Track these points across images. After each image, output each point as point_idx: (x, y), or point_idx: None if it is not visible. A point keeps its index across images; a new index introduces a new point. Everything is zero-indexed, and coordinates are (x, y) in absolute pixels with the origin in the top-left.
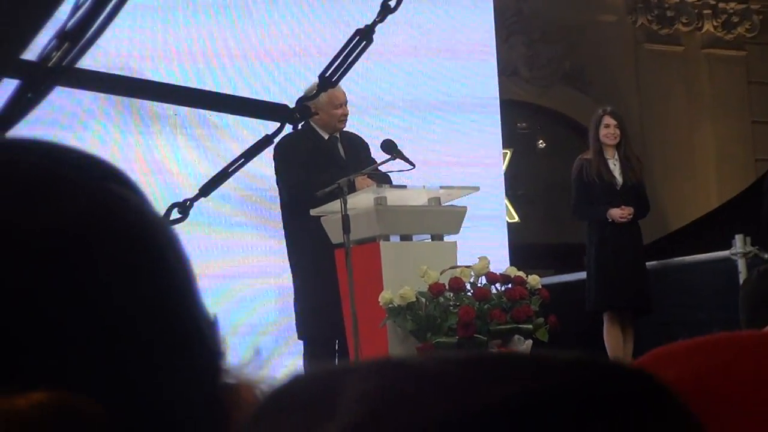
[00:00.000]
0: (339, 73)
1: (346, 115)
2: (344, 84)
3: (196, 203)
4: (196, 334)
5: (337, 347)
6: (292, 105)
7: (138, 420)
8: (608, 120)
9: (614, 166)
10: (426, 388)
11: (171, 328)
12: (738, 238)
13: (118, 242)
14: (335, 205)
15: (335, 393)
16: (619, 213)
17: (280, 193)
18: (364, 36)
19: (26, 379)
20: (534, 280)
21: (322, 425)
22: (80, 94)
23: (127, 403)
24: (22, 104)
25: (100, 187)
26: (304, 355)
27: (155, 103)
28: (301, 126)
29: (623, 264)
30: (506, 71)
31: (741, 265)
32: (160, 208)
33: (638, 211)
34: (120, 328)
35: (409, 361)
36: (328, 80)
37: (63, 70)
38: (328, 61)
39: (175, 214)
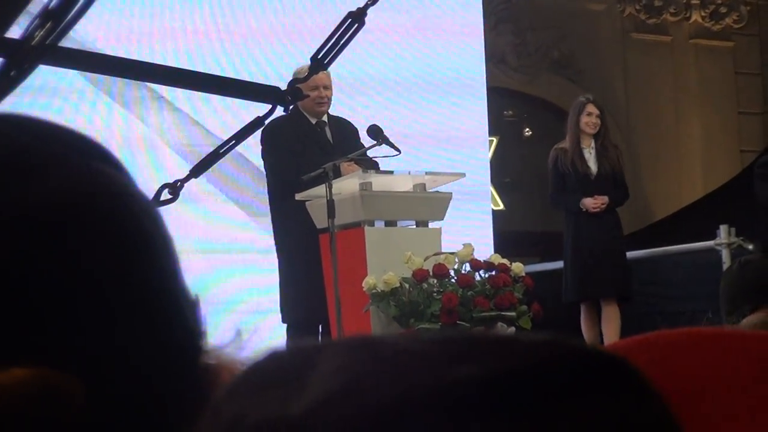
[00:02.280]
0: (331, 55)
1: (323, 98)
2: (332, 66)
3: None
4: (178, 314)
5: (320, 332)
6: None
7: (118, 398)
8: (591, 108)
9: (590, 156)
10: (397, 364)
11: (153, 308)
12: (722, 229)
13: (101, 221)
14: (320, 189)
15: (309, 368)
16: (591, 203)
17: (266, 178)
18: (356, 18)
19: (7, 355)
20: (518, 267)
21: (295, 399)
22: (66, 73)
23: (107, 380)
24: (5, 82)
25: (85, 165)
26: (287, 339)
27: (140, 85)
28: (290, 110)
29: (599, 254)
30: (494, 59)
31: (725, 255)
32: (150, 189)
33: (615, 200)
34: (101, 307)
35: (382, 338)
36: (320, 62)
37: (47, 48)
38: (320, 44)
39: (165, 195)
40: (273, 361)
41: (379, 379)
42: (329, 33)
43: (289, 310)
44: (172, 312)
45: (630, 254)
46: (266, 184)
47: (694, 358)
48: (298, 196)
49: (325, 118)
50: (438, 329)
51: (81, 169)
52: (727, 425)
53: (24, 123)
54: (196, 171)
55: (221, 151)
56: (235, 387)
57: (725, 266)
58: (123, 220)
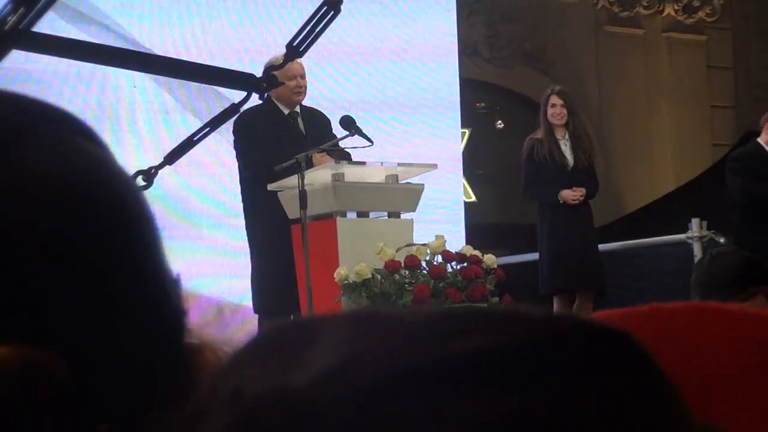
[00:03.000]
0: (307, 42)
1: (301, 87)
2: (305, 61)
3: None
4: (160, 292)
5: None
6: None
7: (100, 376)
8: (554, 99)
9: (565, 147)
10: (400, 337)
11: (134, 285)
12: (694, 222)
13: (83, 198)
14: (293, 180)
15: (310, 341)
16: (570, 194)
17: (238, 168)
18: (332, 6)
19: None
20: (490, 259)
21: (296, 372)
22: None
23: (90, 358)
24: None
25: (66, 141)
26: (258, 329)
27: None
28: (262, 101)
29: (575, 246)
30: (467, 51)
31: (697, 248)
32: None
33: (588, 191)
34: (83, 284)
35: (385, 312)
36: (295, 50)
37: (19, 34)
38: (296, 31)
39: (139, 182)
40: (273, 334)
41: (382, 352)
42: (305, 21)
43: (261, 300)
44: (155, 290)
45: (602, 247)
46: (238, 174)
47: (693, 332)
48: (271, 187)
49: (297, 108)
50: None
51: (62, 145)
52: (726, 401)
53: (3, 98)
54: (170, 158)
55: (195, 138)
56: (235, 360)
57: (697, 259)
58: (105, 197)
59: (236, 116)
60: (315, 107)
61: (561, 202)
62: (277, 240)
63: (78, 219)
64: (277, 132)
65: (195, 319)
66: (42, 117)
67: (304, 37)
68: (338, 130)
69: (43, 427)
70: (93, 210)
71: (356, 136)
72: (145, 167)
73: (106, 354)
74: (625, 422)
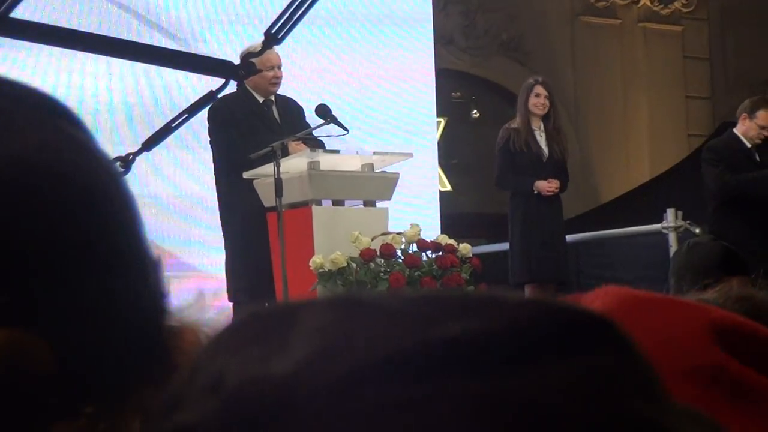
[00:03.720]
0: (285, 30)
1: (278, 78)
2: (280, 51)
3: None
4: (141, 274)
5: None
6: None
7: (83, 358)
8: (539, 89)
9: (540, 137)
10: (381, 322)
11: (115, 267)
12: (669, 212)
13: (62, 179)
14: (268, 168)
15: (289, 327)
16: (546, 186)
17: (213, 156)
18: None
19: None
20: (465, 248)
21: (275, 360)
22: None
23: (71, 341)
24: None
25: (48, 123)
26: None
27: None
28: (236, 89)
29: (547, 237)
30: (442, 40)
31: (672, 238)
32: None
33: (561, 185)
34: (63, 266)
35: (365, 297)
36: (273, 37)
37: None
38: (274, 18)
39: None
40: (253, 319)
41: (362, 339)
42: (283, 8)
43: (236, 288)
44: (135, 272)
45: (577, 236)
46: (212, 162)
47: (642, 322)
48: (246, 175)
49: (271, 97)
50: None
51: (45, 127)
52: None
53: None
54: (148, 144)
55: (174, 125)
56: (216, 345)
57: (672, 249)
58: (84, 180)
59: (210, 103)
60: (288, 95)
61: (536, 192)
62: (252, 228)
63: (58, 201)
64: (251, 120)
65: (175, 302)
66: (21, 99)
67: (282, 24)
68: (312, 119)
69: (28, 409)
70: (72, 192)
71: (331, 124)
72: (123, 154)
73: (88, 336)
74: (608, 404)
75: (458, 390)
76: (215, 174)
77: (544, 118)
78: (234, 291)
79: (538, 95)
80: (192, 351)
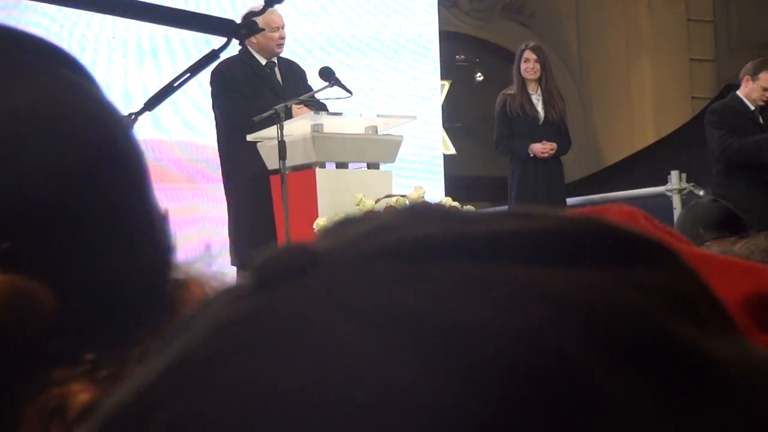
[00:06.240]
0: None
1: (283, 38)
2: (283, 15)
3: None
4: (147, 227)
5: None
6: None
7: (86, 306)
8: (528, 54)
9: (537, 101)
10: (434, 221)
11: (122, 218)
12: (674, 175)
13: (70, 129)
14: (272, 131)
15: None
16: (540, 148)
17: (215, 118)
18: None
19: None
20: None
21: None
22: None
23: (75, 289)
24: None
25: (53, 72)
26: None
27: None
28: (239, 51)
29: (543, 200)
30: (446, 2)
31: (676, 201)
32: None
33: (559, 148)
34: (70, 215)
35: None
36: None
37: None
38: None
39: None
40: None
41: (410, 225)
42: None
43: (239, 251)
44: (141, 224)
45: (580, 199)
46: (215, 125)
47: None
48: (250, 137)
49: (274, 59)
50: None
51: (48, 76)
52: None
53: None
54: (150, 104)
55: (175, 84)
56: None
57: (676, 212)
58: (92, 129)
59: (213, 65)
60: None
61: (531, 155)
62: (255, 191)
63: (66, 150)
64: (254, 82)
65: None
66: (29, 48)
67: None
68: (315, 83)
69: (30, 354)
70: (81, 142)
71: (335, 87)
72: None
73: (92, 285)
74: (644, 316)
75: (510, 272)
76: (217, 136)
77: (539, 82)
78: (237, 254)
79: (527, 60)
80: (197, 303)
